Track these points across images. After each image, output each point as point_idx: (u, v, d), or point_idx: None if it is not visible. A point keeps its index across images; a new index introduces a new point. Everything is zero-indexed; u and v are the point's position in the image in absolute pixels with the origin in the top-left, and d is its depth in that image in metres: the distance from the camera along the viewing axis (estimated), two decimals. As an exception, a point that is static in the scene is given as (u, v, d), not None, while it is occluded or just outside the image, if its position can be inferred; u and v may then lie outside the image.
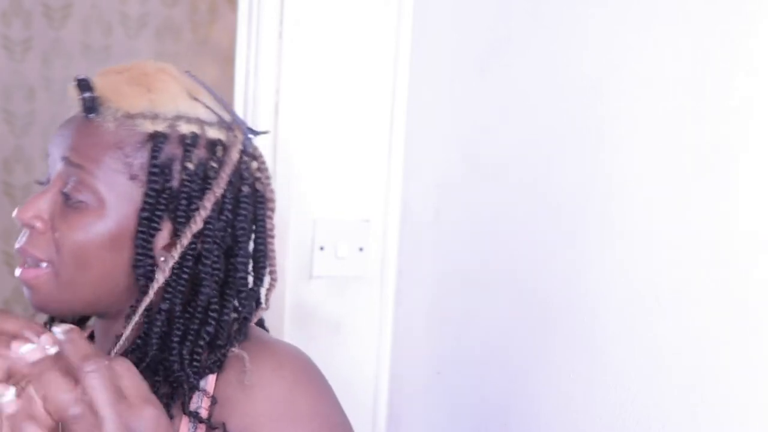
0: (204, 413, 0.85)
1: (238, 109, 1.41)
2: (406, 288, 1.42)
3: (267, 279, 0.96)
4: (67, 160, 0.88)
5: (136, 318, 0.87)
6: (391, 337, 1.45)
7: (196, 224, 0.87)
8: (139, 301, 0.87)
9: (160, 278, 0.86)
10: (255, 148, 0.95)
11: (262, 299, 0.97)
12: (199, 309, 0.88)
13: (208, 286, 0.88)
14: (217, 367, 0.87)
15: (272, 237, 0.95)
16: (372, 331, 1.44)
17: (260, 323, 0.99)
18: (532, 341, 1.10)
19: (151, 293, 0.86)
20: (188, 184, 0.88)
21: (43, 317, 0.95)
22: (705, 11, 0.85)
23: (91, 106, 0.89)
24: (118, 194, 0.87)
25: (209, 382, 0.87)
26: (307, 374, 0.88)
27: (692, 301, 0.85)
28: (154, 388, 0.84)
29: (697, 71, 0.86)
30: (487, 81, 1.22)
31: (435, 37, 1.36)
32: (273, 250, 0.96)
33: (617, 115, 0.97)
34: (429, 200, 1.36)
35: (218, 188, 0.88)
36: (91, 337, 0.98)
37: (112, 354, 0.88)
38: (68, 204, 0.87)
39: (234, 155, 0.91)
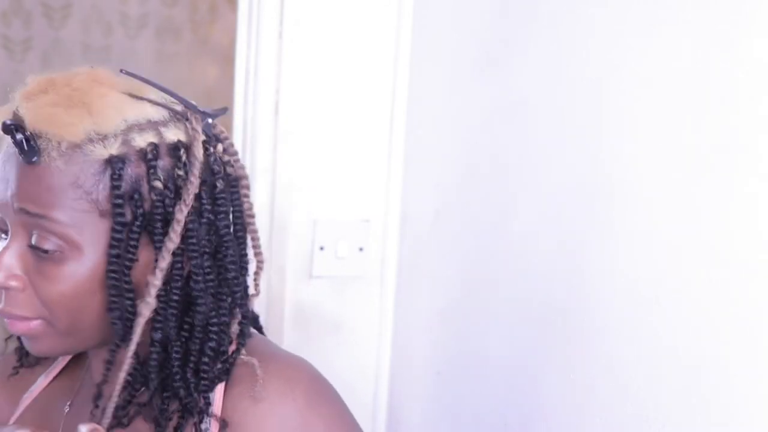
0: None
1: (238, 109, 1.41)
2: (406, 288, 1.42)
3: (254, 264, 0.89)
4: (23, 211, 0.78)
5: (127, 363, 0.79)
6: (391, 337, 1.45)
7: (172, 241, 0.78)
8: (125, 340, 0.79)
9: (145, 311, 0.78)
10: (216, 129, 0.84)
11: (251, 285, 0.88)
12: (198, 328, 0.81)
13: (203, 303, 0.81)
14: (225, 375, 0.82)
15: (252, 216, 0.87)
16: (372, 331, 1.44)
17: (258, 327, 0.94)
18: (532, 341, 1.10)
19: (137, 332, 0.78)
20: (160, 204, 0.79)
21: None
22: (706, 10, 0.85)
23: (29, 151, 0.77)
24: (92, 234, 0.78)
25: (217, 396, 0.82)
26: (319, 394, 0.84)
27: (693, 302, 0.85)
28: (164, 404, 0.81)
29: (697, 71, 0.86)
30: (487, 81, 1.22)
31: (435, 37, 1.36)
32: (255, 230, 0.87)
33: (617, 116, 0.97)
34: (429, 200, 1.36)
35: (189, 196, 0.79)
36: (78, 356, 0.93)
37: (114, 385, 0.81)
38: (40, 256, 0.78)
39: (199, 153, 0.80)
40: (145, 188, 0.78)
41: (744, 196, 0.80)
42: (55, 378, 0.95)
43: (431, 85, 1.37)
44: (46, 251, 0.78)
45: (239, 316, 0.85)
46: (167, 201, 0.79)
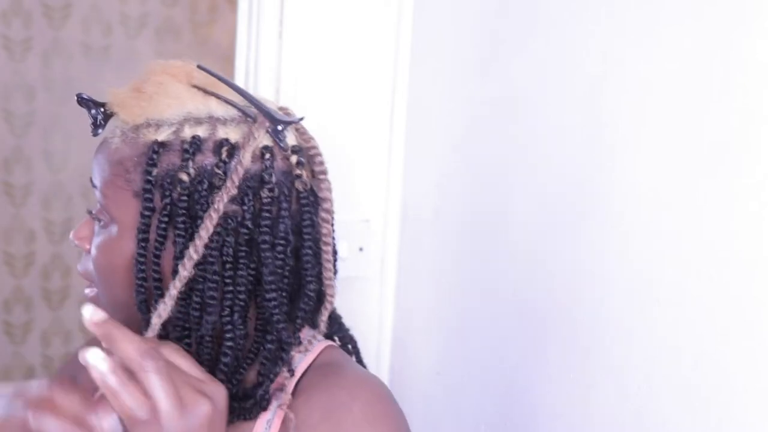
0: None
1: (238, 109, 1.41)
2: (406, 288, 1.42)
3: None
4: (91, 182, 0.84)
5: None
6: (391, 337, 1.45)
7: (194, 244, 0.76)
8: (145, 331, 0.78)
9: (161, 310, 0.76)
10: (301, 138, 0.83)
11: (301, 321, 0.83)
12: (206, 339, 0.79)
13: (212, 312, 0.78)
14: (262, 408, 0.81)
15: (327, 244, 0.82)
16: (372, 331, 1.44)
17: (350, 350, 0.92)
18: (531, 341, 1.10)
19: (154, 328, 0.76)
20: (184, 198, 0.78)
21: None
22: (706, 10, 0.85)
23: (94, 124, 0.84)
24: (127, 213, 0.80)
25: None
26: (379, 414, 0.80)
27: (693, 302, 0.85)
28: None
29: (698, 70, 0.86)
30: (487, 80, 1.22)
31: (435, 37, 1.36)
32: (329, 261, 0.82)
33: (617, 115, 0.97)
34: (429, 200, 1.36)
35: (220, 204, 0.76)
36: None
37: None
38: (99, 226, 0.83)
39: (245, 155, 0.78)
40: (176, 178, 0.78)
41: (744, 195, 0.80)
42: None
43: (431, 85, 1.37)
44: (100, 221, 0.83)
45: (274, 342, 0.81)
46: (196, 197, 0.78)
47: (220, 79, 0.82)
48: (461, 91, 1.29)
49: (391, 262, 1.43)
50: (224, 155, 0.78)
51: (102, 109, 0.84)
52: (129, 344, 0.69)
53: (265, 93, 1.37)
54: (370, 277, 1.42)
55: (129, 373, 0.69)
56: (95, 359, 0.68)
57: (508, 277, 1.16)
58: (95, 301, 0.85)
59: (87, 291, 0.87)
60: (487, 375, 1.20)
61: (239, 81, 1.42)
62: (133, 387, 0.69)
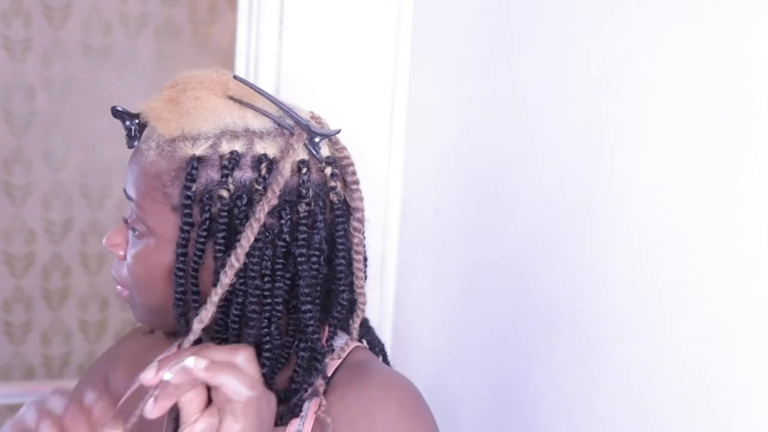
0: None
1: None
2: (405, 287, 1.42)
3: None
4: (125, 193, 0.84)
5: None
6: (391, 336, 1.45)
7: (236, 257, 0.76)
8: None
9: (203, 316, 0.74)
10: (336, 150, 0.84)
11: (354, 330, 0.87)
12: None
13: (254, 326, 0.79)
14: (294, 415, 0.81)
15: (359, 253, 0.84)
16: (372, 331, 1.43)
17: (381, 348, 0.93)
18: (532, 341, 1.10)
19: (197, 330, 0.75)
20: (225, 213, 0.78)
21: None
22: (706, 10, 0.85)
23: (129, 135, 0.83)
24: (166, 227, 0.80)
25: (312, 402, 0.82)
26: (412, 411, 0.81)
27: (693, 302, 0.85)
28: None
29: (698, 70, 0.86)
30: (487, 80, 1.22)
31: (435, 37, 1.36)
32: (360, 269, 0.84)
33: (618, 114, 0.97)
34: (429, 200, 1.36)
35: (261, 213, 0.77)
36: None
37: None
38: (133, 234, 0.84)
39: (285, 170, 0.78)
40: (215, 194, 0.79)
41: (745, 195, 0.80)
42: None
43: (431, 85, 1.37)
44: (135, 230, 0.83)
45: (306, 350, 0.82)
46: (236, 212, 0.78)
47: (256, 89, 0.82)
48: (461, 91, 1.29)
49: (391, 262, 1.43)
50: (263, 171, 0.79)
51: (137, 121, 0.83)
52: (216, 351, 0.70)
53: (265, 93, 1.37)
54: (370, 277, 1.42)
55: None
56: (193, 362, 0.68)
57: (508, 277, 1.16)
58: (129, 300, 0.87)
59: (119, 289, 0.88)
60: (487, 375, 1.20)
61: (239, 81, 1.42)
62: (230, 369, 0.69)
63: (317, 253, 0.81)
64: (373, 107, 1.41)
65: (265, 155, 0.79)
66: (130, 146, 0.84)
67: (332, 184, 0.82)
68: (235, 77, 0.83)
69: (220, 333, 0.81)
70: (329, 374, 0.84)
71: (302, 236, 0.80)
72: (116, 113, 0.84)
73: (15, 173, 2.97)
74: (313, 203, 0.80)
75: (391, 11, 1.40)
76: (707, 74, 0.84)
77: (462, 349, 1.27)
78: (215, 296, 0.75)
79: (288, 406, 0.81)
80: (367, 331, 0.93)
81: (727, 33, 0.82)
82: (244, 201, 0.78)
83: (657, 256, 0.90)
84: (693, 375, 0.85)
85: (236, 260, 0.76)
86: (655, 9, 0.91)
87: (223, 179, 0.78)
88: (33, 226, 3.01)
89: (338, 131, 0.84)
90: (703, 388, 0.84)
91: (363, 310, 0.87)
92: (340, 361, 0.85)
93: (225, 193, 0.78)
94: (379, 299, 1.43)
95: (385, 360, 0.95)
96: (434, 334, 1.34)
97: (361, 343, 0.92)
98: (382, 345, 0.95)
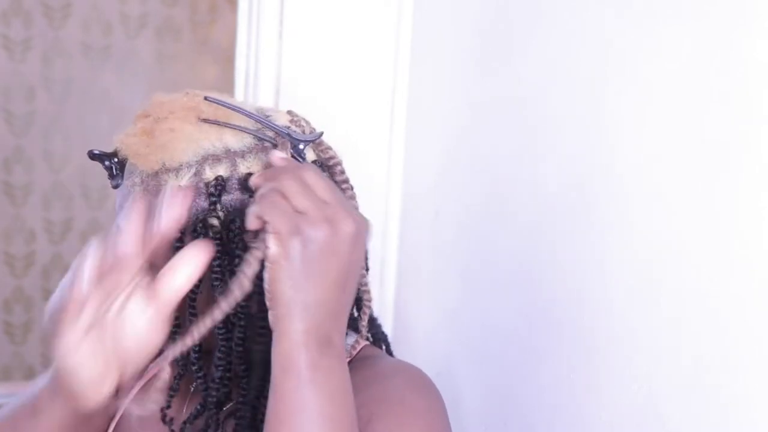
0: None
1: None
2: (405, 287, 1.42)
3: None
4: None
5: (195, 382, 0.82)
6: (391, 337, 1.45)
7: (232, 293, 0.71)
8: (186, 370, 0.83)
9: (179, 347, 0.72)
10: (321, 153, 0.84)
11: (362, 328, 0.86)
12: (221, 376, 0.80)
13: (262, 341, 0.77)
14: None
15: None
16: (372, 331, 1.43)
17: (386, 343, 0.94)
18: (532, 341, 1.10)
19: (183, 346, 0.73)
20: (217, 241, 0.77)
21: None
22: (706, 10, 0.85)
23: (111, 176, 0.83)
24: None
25: None
26: (422, 386, 0.82)
27: (693, 302, 0.85)
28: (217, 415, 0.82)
29: (698, 70, 0.86)
30: (487, 80, 1.22)
31: (435, 37, 1.36)
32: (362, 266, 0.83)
33: (617, 114, 0.97)
34: (429, 200, 1.36)
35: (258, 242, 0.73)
36: None
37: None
38: None
39: None
40: (207, 223, 0.78)
41: (745, 195, 0.80)
42: None
43: (431, 85, 1.37)
44: None
45: None
46: (230, 236, 0.77)
47: (229, 107, 0.80)
48: (461, 91, 1.29)
49: (391, 262, 1.43)
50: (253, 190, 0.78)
51: (116, 159, 0.82)
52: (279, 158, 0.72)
53: (265, 93, 1.37)
54: (370, 277, 1.42)
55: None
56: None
57: (509, 277, 1.16)
58: None
59: None
60: (487, 375, 1.20)
61: (239, 81, 1.42)
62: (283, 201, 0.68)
63: None
64: (373, 107, 1.41)
65: (249, 174, 0.78)
66: (115, 186, 0.83)
67: None
68: (206, 98, 0.80)
69: (222, 359, 0.80)
70: None
71: None
72: (93, 156, 0.83)
73: (15, 173, 2.98)
74: None
75: (391, 11, 1.40)
76: (707, 74, 0.84)
77: (462, 349, 1.27)
78: (213, 322, 0.71)
79: None
80: (372, 325, 0.94)
81: (727, 33, 0.82)
82: (237, 224, 0.77)
83: (657, 256, 0.90)
84: (693, 375, 0.85)
85: (239, 289, 0.71)
86: (656, 9, 0.91)
87: (212, 207, 0.78)
88: (33, 226, 3.02)
89: (321, 134, 0.83)
90: (703, 388, 0.84)
91: (369, 307, 0.87)
92: (349, 359, 0.85)
93: (216, 222, 0.78)
94: (379, 299, 1.43)
95: (389, 353, 0.95)
96: (434, 334, 1.34)
97: (367, 338, 0.92)
98: (387, 341, 0.96)
